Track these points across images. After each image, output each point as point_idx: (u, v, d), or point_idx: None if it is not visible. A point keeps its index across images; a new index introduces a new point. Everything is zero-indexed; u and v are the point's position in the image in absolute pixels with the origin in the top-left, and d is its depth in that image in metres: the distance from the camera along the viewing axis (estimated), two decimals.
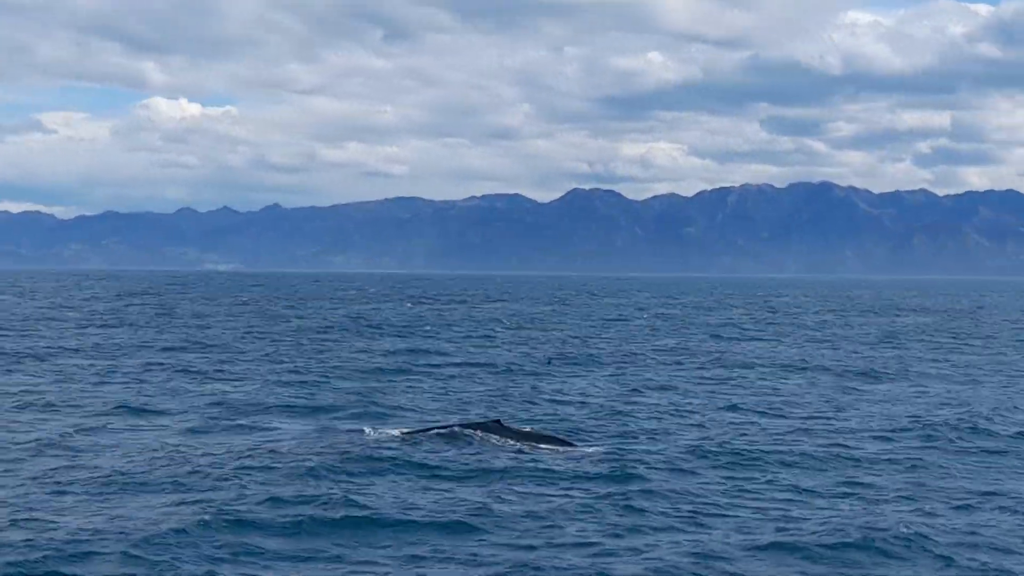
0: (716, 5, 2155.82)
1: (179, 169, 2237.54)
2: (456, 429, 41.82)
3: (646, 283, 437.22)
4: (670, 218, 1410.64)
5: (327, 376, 63.05)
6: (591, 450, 40.00)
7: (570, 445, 40.92)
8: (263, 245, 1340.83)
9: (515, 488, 33.56)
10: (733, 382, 63.79)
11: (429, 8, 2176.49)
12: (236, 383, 59.46)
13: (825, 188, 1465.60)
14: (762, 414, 50.11)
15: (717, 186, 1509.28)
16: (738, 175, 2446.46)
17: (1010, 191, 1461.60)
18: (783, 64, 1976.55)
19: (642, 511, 31.04)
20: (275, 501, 30.87)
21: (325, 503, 30.85)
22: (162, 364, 68.11)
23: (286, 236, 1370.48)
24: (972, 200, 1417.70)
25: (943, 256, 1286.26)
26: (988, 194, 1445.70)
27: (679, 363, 74.59)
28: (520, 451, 39.20)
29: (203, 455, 38.05)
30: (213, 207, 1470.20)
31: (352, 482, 33.87)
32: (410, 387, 58.94)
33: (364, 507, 30.61)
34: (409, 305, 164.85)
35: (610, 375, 66.74)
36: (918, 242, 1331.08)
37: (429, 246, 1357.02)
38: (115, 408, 48.67)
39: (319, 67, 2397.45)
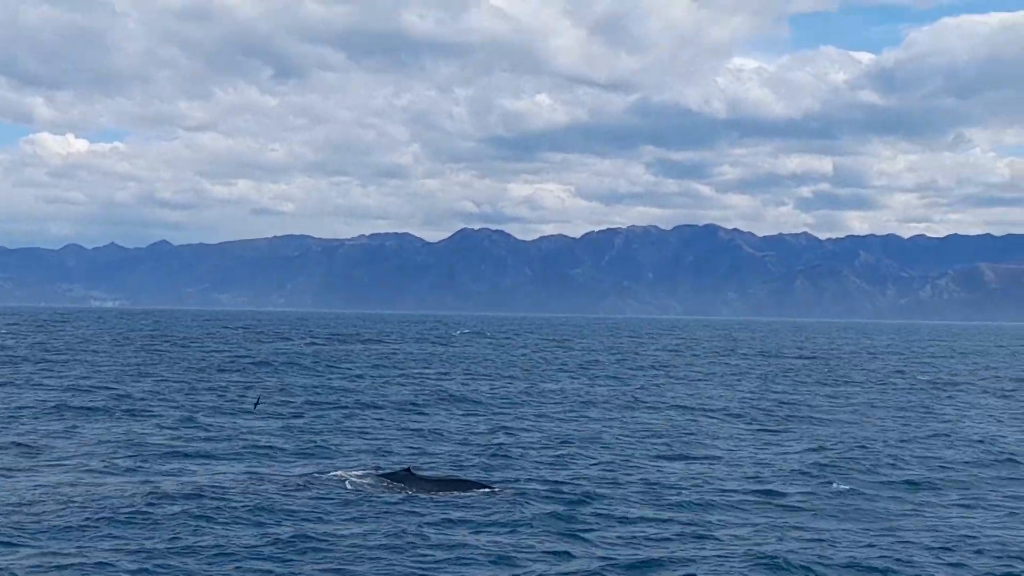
0: (604, 48, 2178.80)
1: (65, 205, 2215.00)
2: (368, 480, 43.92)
3: (530, 323, 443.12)
4: (557, 259, 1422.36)
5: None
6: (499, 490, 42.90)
7: (485, 487, 42.81)
8: (150, 282, 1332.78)
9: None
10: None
11: (318, 46, 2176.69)
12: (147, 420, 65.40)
13: (710, 230, 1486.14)
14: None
15: (604, 227, 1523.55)
16: (624, 217, 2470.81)
17: (890, 235, 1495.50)
18: (669, 108, 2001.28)
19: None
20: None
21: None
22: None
23: (174, 273, 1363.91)
24: (853, 244, 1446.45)
25: (824, 298, 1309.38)
26: (868, 238, 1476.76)
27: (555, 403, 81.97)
28: (431, 499, 41.33)
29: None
30: (100, 243, 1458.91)
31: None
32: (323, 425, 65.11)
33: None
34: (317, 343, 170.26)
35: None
36: (800, 284, 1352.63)
37: (317, 284, 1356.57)
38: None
39: (208, 104, 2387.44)
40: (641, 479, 47.09)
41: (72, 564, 31.62)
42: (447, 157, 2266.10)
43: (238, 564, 32.23)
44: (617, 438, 61.08)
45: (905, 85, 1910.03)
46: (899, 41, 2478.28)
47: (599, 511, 40.31)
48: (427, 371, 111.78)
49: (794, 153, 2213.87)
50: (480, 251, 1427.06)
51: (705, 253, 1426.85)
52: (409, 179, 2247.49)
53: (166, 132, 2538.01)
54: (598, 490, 44.09)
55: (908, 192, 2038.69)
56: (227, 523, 37.04)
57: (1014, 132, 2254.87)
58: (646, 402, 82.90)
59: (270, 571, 31.72)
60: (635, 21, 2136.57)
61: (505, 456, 53.10)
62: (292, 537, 35.27)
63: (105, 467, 47.43)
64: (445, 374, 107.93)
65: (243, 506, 39.28)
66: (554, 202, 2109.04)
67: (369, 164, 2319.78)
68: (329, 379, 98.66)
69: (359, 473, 45.67)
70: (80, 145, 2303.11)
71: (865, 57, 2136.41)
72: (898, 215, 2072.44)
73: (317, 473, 46.83)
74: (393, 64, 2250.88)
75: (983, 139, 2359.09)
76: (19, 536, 34.73)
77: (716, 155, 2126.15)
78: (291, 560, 32.84)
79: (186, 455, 51.71)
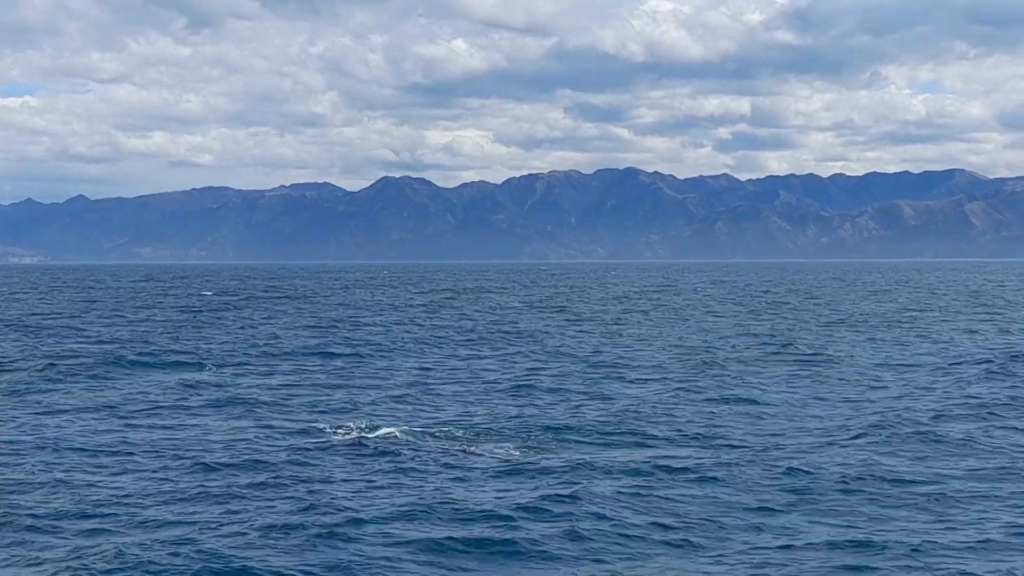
0: None
1: None
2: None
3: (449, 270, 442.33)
4: (480, 205, 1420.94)
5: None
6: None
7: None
8: (69, 238, 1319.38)
9: None
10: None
11: None
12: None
13: (631, 174, 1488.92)
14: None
15: (525, 172, 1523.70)
16: (544, 162, 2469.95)
17: (810, 175, 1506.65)
18: (586, 51, 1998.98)
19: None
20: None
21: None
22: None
23: (92, 228, 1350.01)
24: (773, 184, 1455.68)
25: (746, 239, 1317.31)
26: (788, 178, 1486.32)
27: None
28: None
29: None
30: (16, 200, 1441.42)
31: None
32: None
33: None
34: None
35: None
36: (721, 226, 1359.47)
37: (239, 237, 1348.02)
38: None
39: (121, 55, 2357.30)
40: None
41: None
42: (364, 105, 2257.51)
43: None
44: None
45: (820, 24, 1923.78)
46: None
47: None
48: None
49: (712, 94, 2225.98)
50: (402, 199, 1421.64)
51: (627, 197, 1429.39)
52: (327, 128, 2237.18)
53: (78, 85, 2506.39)
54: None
55: (825, 131, 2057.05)
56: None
57: (929, 69, 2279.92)
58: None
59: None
60: None
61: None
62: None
63: None
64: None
65: None
66: (473, 148, 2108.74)
67: (286, 113, 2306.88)
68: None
69: None
70: None
71: None
72: (816, 154, 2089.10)
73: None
74: (308, 11, 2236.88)
75: (899, 77, 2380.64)
76: None
77: (634, 98, 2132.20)
78: None
79: None
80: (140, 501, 32.73)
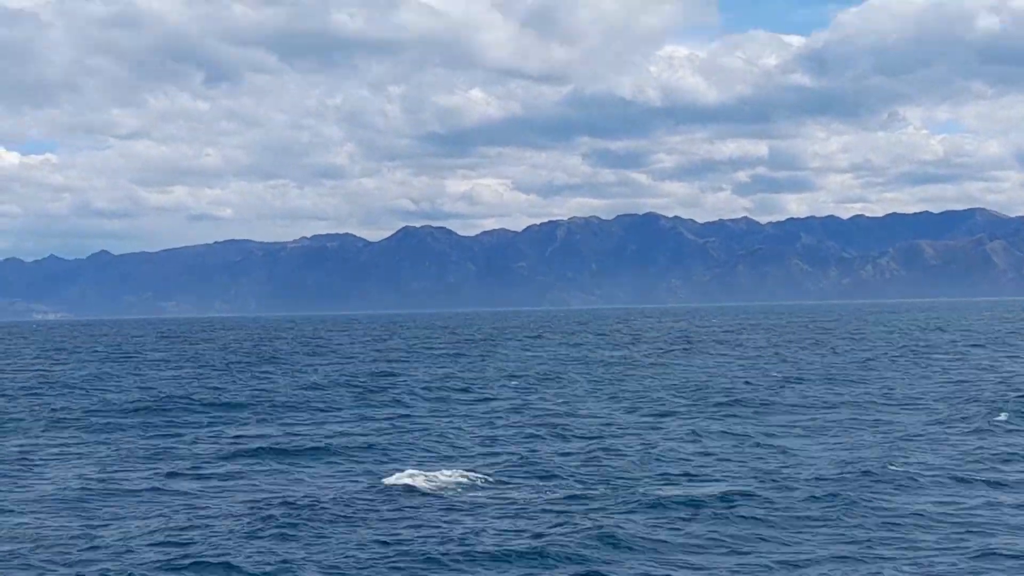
0: (535, 40, 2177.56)
1: (0, 219, 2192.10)
2: None
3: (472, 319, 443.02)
4: (501, 253, 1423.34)
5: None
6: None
7: None
8: (92, 293, 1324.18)
9: None
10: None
11: (249, 49, 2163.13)
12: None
13: (651, 219, 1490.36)
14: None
15: (545, 220, 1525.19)
16: (563, 208, 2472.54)
17: (830, 217, 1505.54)
18: (603, 98, 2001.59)
19: None
20: None
21: None
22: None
23: (116, 283, 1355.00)
24: (793, 227, 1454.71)
25: (768, 282, 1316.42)
26: (809, 220, 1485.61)
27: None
28: None
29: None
30: (39, 256, 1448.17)
31: None
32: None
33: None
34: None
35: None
36: (743, 269, 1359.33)
37: (261, 289, 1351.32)
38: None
39: (140, 111, 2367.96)
40: None
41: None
42: (383, 155, 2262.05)
43: None
44: None
45: (836, 66, 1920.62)
46: (827, 23, 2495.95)
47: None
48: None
49: (729, 138, 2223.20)
50: (423, 248, 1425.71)
51: (647, 241, 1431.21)
52: (346, 179, 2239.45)
53: (98, 141, 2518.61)
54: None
55: (844, 172, 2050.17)
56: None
57: (946, 109, 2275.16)
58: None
59: None
60: (565, 12, 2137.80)
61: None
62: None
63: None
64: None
65: None
66: (492, 196, 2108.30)
67: (305, 165, 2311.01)
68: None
69: None
70: (11, 158, 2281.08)
71: (795, 40, 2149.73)
72: (835, 196, 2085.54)
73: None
74: (325, 64, 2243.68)
75: (916, 117, 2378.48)
76: None
77: (652, 143, 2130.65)
78: None
79: None
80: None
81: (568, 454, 50.25)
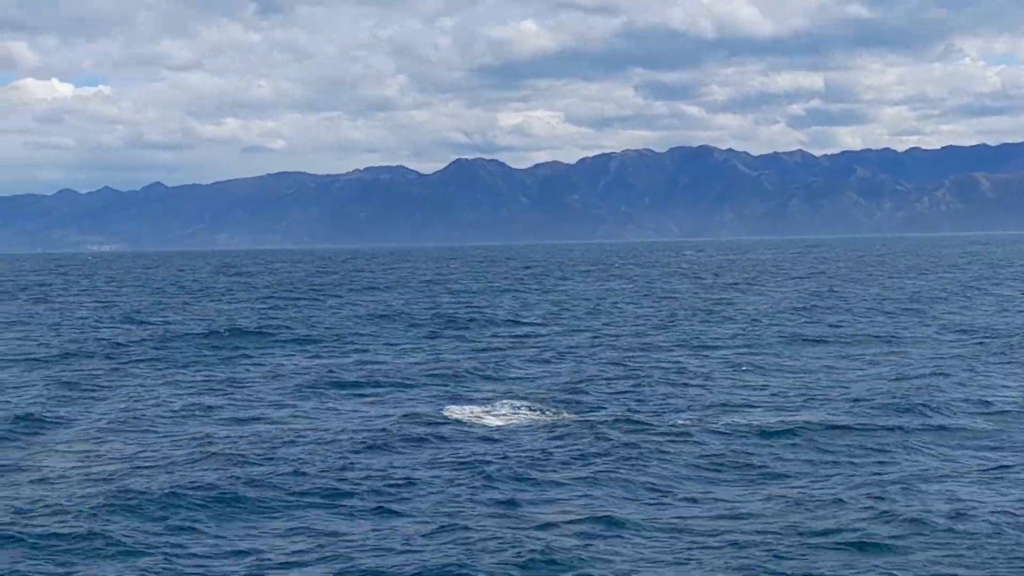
0: None
1: (55, 151, 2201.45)
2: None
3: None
4: (553, 186, 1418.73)
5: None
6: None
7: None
8: (146, 225, 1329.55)
9: None
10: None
11: None
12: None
13: (704, 152, 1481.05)
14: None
15: (598, 152, 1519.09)
16: (615, 141, 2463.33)
17: (885, 150, 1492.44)
18: (656, 29, 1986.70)
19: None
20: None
21: None
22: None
23: (169, 215, 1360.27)
24: (848, 160, 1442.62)
25: (821, 215, 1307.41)
26: (864, 153, 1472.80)
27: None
28: None
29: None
30: (93, 188, 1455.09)
31: None
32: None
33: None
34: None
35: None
36: (796, 203, 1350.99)
37: (315, 221, 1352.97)
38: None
39: (192, 43, 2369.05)
40: None
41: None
42: (434, 88, 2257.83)
43: None
44: None
45: None
46: None
47: None
48: None
49: (783, 71, 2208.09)
50: (475, 181, 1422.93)
51: (700, 175, 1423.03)
52: (397, 111, 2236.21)
53: (151, 73, 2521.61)
54: None
55: (899, 105, 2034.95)
56: None
57: (1004, 40, 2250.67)
58: None
59: None
60: None
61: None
62: None
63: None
64: None
65: None
66: (544, 129, 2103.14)
67: (357, 98, 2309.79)
68: None
69: None
70: (65, 89, 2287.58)
71: None
72: (891, 129, 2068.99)
73: None
74: None
75: (973, 48, 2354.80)
76: None
77: (705, 75, 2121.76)
78: None
79: None
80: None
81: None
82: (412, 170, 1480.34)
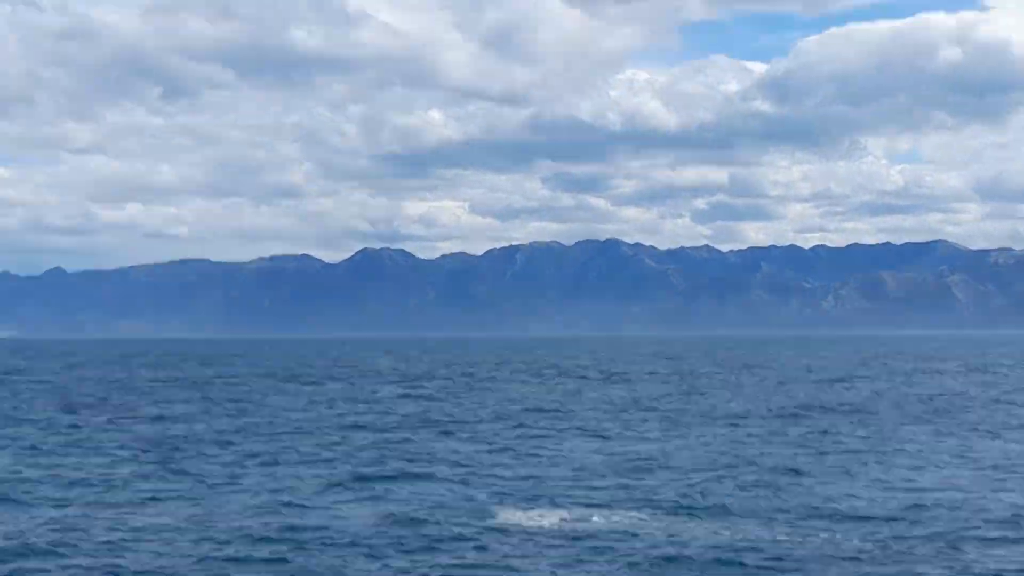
0: (496, 62, 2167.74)
1: None
2: None
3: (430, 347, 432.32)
4: (461, 277, 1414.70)
5: None
6: None
7: None
8: (46, 311, 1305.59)
9: None
10: None
11: (208, 65, 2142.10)
12: None
13: (612, 245, 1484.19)
14: None
15: (503, 244, 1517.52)
16: (522, 232, 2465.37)
17: (792, 246, 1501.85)
18: (564, 121, 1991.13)
19: None
20: None
21: None
22: None
23: (70, 301, 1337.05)
24: (755, 255, 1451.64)
25: (728, 311, 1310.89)
26: (770, 249, 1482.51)
27: None
28: None
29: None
30: None
31: None
32: None
33: None
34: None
35: None
36: (704, 298, 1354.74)
37: (218, 309, 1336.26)
38: None
39: (94, 125, 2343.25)
40: None
41: None
42: (340, 175, 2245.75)
43: None
44: None
45: (797, 93, 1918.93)
46: (788, 50, 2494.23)
47: None
48: None
49: (690, 164, 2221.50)
50: (382, 270, 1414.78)
51: (608, 268, 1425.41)
52: (303, 198, 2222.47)
53: (51, 156, 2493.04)
54: None
55: (805, 201, 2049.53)
56: None
57: (907, 139, 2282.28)
58: None
59: None
60: (526, 33, 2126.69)
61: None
62: None
63: None
64: None
65: None
66: (450, 219, 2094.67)
67: (262, 184, 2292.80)
68: None
69: None
70: None
71: (757, 66, 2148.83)
72: (796, 225, 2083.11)
73: None
74: (284, 82, 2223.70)
75: (877, 146, 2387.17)
76: None
77: (613, 168, 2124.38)
78: None
79: None
80: None
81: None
82: (317, 258, 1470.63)
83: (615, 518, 44.74)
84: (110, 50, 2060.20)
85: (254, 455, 65.46)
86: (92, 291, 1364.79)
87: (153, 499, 50.23)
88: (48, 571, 37.33)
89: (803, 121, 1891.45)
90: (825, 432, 76.53)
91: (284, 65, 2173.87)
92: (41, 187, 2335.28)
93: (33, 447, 69.23)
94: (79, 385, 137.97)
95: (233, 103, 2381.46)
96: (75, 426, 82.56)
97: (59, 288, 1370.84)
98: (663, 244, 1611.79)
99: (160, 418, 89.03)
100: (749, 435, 75.94)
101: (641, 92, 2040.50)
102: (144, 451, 67.28)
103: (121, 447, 69.59)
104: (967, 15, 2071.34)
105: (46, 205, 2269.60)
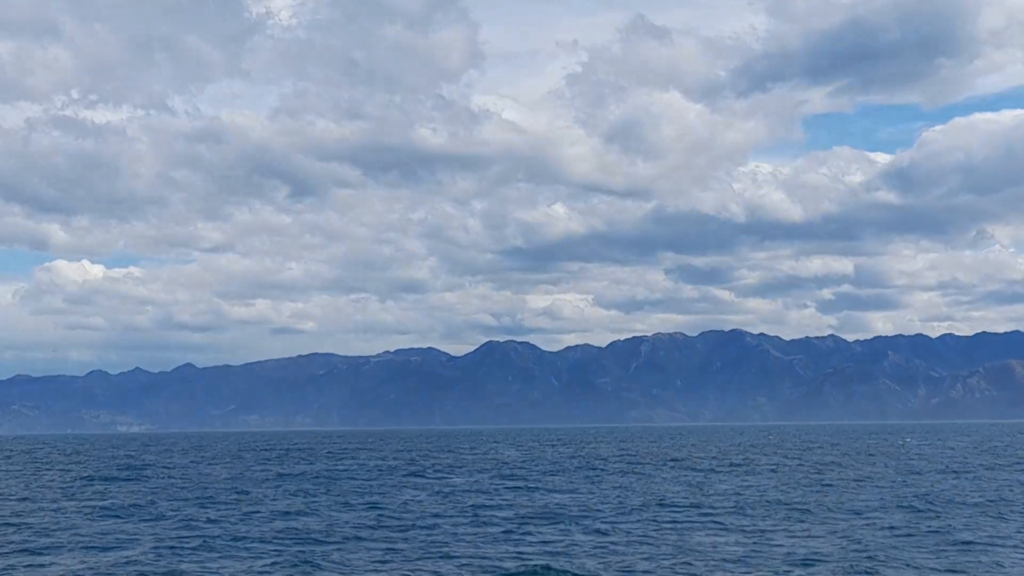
0: (619, 157, 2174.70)
1: (86, 331, 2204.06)
2: None
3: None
4: (584, 368, 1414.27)
5: None
6: None
7: None
8: (175, 406, 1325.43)
9: None
10: None
11: (333, 163, 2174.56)
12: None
13: (736, 336, 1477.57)
14: None
15: (629, 335, 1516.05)
16: (645, 324, 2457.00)
17: (918, 335, 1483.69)
18: (687, 214, 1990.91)
19: None
20: None
21: None
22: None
23: (198, 395, 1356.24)
24: (881, 345, 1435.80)
25: (855, 400, 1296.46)
26: (896, 339, 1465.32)
27: None
28: None
29: None
30: (124, 368, 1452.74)
31: None
32: None
33: None
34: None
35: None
36: (829, 387, 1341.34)
37: (344, 402, 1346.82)
38: None
39: (224, 225, 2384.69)
40: None
41: None
42: (464, 270, 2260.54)
43: None
44: None
45: (922, 184, 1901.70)
46: (912, 141, 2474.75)
47: None
48: None
49: (814, 255, 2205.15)
50: (506, 363, 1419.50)
51: (732, 358, 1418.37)
52: (427, 293, 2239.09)
53: (182, 255, 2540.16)
54: None
55: (931, 291, 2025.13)
56: None
57: None
58: None
59: None
60: (648, 128, 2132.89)
61: None
62: None
63: None
64: None
65: None
66: (573, 312, 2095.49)
67: (387, 280, 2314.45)
68: None
69: None
70: (96, 270, 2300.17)
71: (881, 157, 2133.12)
72: (922, 314, 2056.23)
73: None
74: (408, 179, 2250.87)
75: (1004, 235, 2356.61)
76: None
77: (736, 259, 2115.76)
78: None
79: None
80: None
81: None
82: (442, 352, 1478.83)
83: None
84: (239, 151, 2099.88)
85: (395, 550, 66.65)
86: (221, 386, 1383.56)
87: None
88: None
89: (928, 210, 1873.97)
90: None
91: (409, 162, 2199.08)
92: (173, 285, 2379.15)
93: (172, 548, 71.02)
94: (211, 480, 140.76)
95: (359, 200, 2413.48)
96: (211, 520, 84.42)
97: (190, 383, 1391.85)
98: (788, 335, 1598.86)
99: (293, 513, 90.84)
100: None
101: (764, 184, 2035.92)
102: (285, 547, 68.85)
103: (262, 541, 71.25)
104: None
105: (177, 303, 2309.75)
